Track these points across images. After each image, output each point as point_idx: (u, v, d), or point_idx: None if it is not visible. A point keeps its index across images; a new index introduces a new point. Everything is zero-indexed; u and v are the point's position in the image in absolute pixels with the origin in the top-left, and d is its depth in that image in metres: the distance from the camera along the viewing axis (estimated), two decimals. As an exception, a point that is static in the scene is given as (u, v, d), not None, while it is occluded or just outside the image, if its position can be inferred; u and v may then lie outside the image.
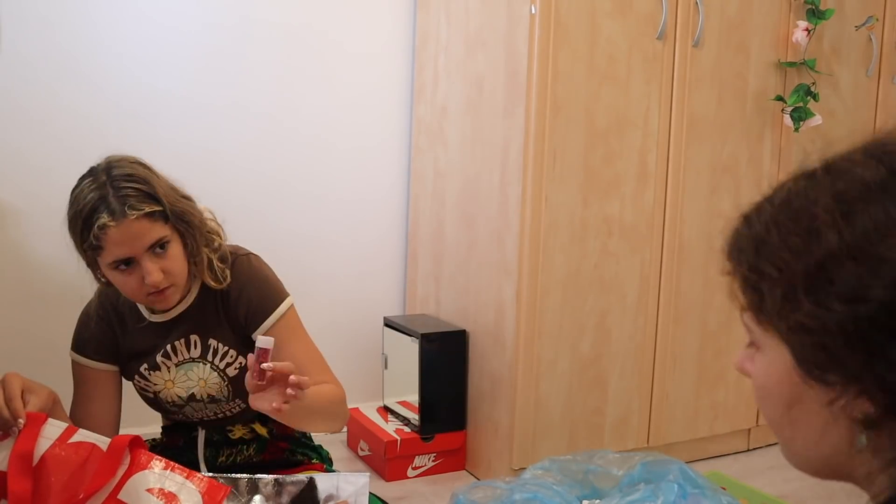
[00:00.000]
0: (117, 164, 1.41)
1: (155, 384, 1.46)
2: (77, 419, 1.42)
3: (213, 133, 2.27)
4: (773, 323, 0.61)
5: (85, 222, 1.35)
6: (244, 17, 2.28)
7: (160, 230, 1.33)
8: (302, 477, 1.29)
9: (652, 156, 2.16)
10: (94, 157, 2.15)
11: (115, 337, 1.48)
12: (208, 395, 1.46)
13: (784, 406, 0.64)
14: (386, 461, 2.16)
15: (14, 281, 2.08)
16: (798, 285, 0.58)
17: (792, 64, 2.32)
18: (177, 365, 1.46)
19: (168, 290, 1.35)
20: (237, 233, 2.40)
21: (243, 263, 1.45)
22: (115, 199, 1.34)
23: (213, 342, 1.44)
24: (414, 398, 2.24)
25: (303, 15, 2.35)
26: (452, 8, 2.28)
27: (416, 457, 2.20)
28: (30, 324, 2.10)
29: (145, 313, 1.45)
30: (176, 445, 1.53)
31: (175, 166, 2.23)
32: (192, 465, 1.47)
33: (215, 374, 1.45)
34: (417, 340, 2.19)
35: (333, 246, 2.46)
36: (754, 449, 2.46)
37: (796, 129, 2.31)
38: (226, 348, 1.44)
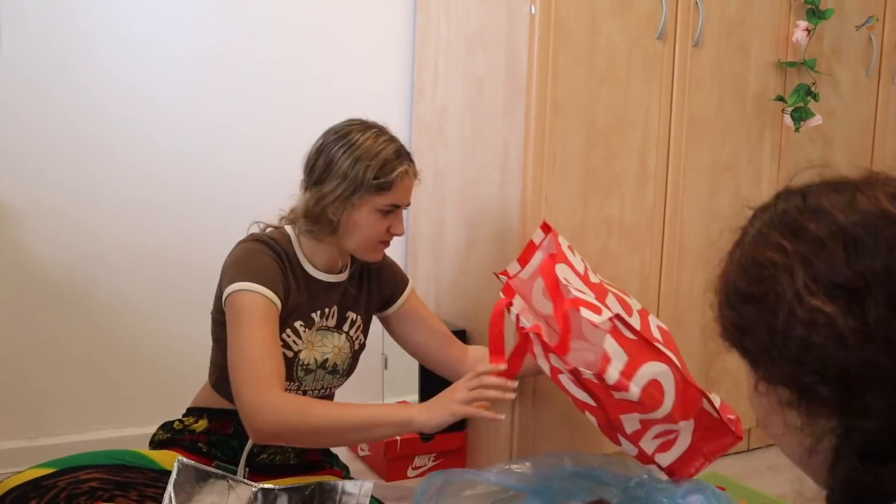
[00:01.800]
0: (387, 129, 1.58)
1: (302, 343, 1.53)
2: (266, 357, 1.40)
3: (212, 133, 2.27)
4: (726, 334, 0.75)
5: (387, 163, 1.49)
6: (243, 17, 2.28)
7: (408, 195, 1.58)
8: (310, 483, 1.32)
9: (652, 156, 2.16)
10: (93, 158, 2.17)
11: (287, 280, 1.51)
12: (334, 365, 1.58)
13: (761, 420, 0.74)
14: (386, 461, 2.16)
15: (14, 281, 2.08)
16: (724, 292, 0.73)
17: (792, 64, 2.32)
18: (317, 329, 1.56)
19: (389, 245, 1.61)
20: (237, 234, 2.40)
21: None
22: (407, 157, 1.55)
23: (350, 314, 1.61)
24: (414, 398, 2.23)
25: (302, 15, 2.35)
26: (452, 8, 2.28)
27: (416, 457, 2.20)
28: (30, 324, 2.10)
29: (309, 269, 1.55)
30: (224, 432, 1.55)
31: (175, 166, 2.24)
32: (231, 457, 1.53)
33: (348, 344, 1.60)
34: (417, 340, 2.19)
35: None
36: (754, 449, 2.46)
37: (797, 129, 2.31)
38: (360, 321, 1.62)
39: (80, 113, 2.11)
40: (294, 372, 1.53)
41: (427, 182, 2.43)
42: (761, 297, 0.67)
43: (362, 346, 1.67)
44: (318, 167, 1.52)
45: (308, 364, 1.55)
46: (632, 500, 1.60)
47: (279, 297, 1.45)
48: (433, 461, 2.22)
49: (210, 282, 2.26)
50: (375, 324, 2.47)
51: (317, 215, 1.50)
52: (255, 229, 1.60)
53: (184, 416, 1.59)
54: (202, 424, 1.55)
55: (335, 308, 1.58)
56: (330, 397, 1.65)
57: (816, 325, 0.62)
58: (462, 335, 2.23)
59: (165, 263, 2.23)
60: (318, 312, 1.56)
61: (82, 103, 2.11)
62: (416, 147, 2.48)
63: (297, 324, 1.52)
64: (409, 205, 1.58)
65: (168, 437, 1.57)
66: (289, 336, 1.51)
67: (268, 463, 1.56)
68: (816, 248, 0.65)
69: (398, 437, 2.18)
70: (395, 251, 2.55)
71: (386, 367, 2.41)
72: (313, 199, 1.50)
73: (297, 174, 2.39)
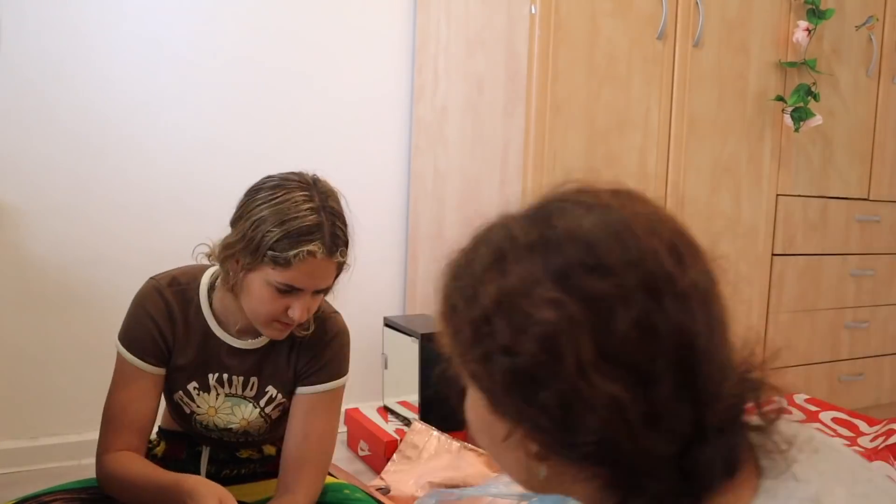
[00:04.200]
0: (329, 196, 1.33)
1: (198, 406, 1.40)
2: (116, 418, 1.35)
3: (212, 133, 2.27)
4: (464, 368, 0.65)
5: (293, 236, 1.24)
6: (242, 19, 2.28)
7: (333, 278, 1.33)
8: None
9: (652, 156, 2.16)
10: (93, 157, 2.17)
11: (172, 339, 1.37)
12: (244, 431, 1.43)
13: (489, 440, 0.67)
14: (386, 461, 2.16)
15: (14, 281, 2.08)
16: (468, 337, 0.62)
17: (792, 64, 2.32)
18: (226, 395, 1.39)
19: (292, 327, 1.32)
20: (237, 233, 2.37)
21: (339, 322, 1.43)
22: (329, 235, 1.28)
23: (270, 389, 1.40)
24: (414, 398, 2.23)
25: (302, 16, 2.35)
26: (452, 8, 2.28)
27: (416, 457, 2.20)
28: (29, 324, 2.10)
29: (216, 331, 1.37)
30: (178, 458, 1.49)
31: (174, 167, 2.24)
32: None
33: (261, 418, 1.41)
34: (417, 340, 2.19)
35: (333, 246, 2.46)
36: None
37: (797, 129, 2.31)
38: (280, 396, 1.40)
39: (80, 113, 2.11)
40: (194, 427, 1.43)
41: (427, 182, 2.43)
42: (536, 358, 0.61)
43: (284, 414, 1.43)
44: (238, 210, 1.32)
45: (207, 426, 1.42)
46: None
47: (150, 363, 1.35)
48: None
49: (210, 282, 2.27)
50: (375, 324, 2.48)
51: (221, 262, 1.30)
52: (203, 250, 1.40)
53: (156, 433, 1.53)
54: (161, 448, 1.49)
55: (254, 380, 1.39)
56: (250, 445, 1.50)
57: (600, 405, 0.58)
58: (462, 335, 2.23)
59: (164, 263, 2.23)
60: (215, 376, 1.38)
61: (82, 104, 2.11)
62: (416, 147, 2.49)
63: (191, 386, 1.38)
64: (323, 290, 1.31)
65: (148, 458, 1.48)
66: (181, 398, 1.40)
67: (234, 476, 1.51)
68: (602, 311, 0.59)
69: (398, 438, 2.18)
70: (395, 251, 2.56)
71: (386, 367, 2.41)
72: (221, 244, 1.31)
73: (297, 174, 2.41)
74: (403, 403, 2.32)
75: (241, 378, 1.38)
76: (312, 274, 1.26)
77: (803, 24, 2.28)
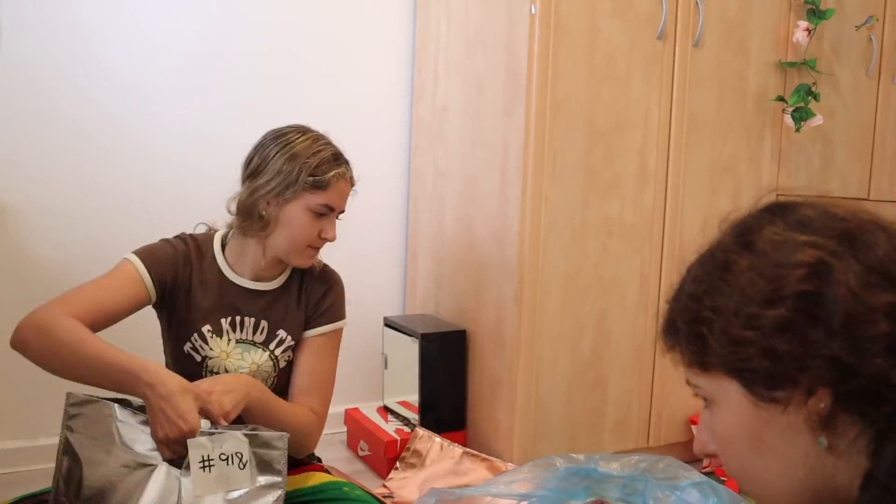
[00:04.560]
0: (324, 138, 1.52)
1: (211, 349, 1.49)
2: (85, 292, 1.42)
3: (213, 133, 2.27)
4: (719, 358, 0.69)
5: (323, 164, 1.47)
6: (243, 17, 2.28)
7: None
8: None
9: (652, 156, 2.16)
10: (93, 158, 2.17)
11: (179, 279, 1.48)
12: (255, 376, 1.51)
13: (748, 443, 0.70)
14: (386, 461, 2.16)
15: (14, 281, 2.08)
16: (732, 310, 0.68)
17: (793, 64, 2.32)
18: (237, 341, 1.50)
19: (319, 251, 1.54)
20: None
21: (334, 271, 1.61)
22: (345, 162, 1.53)
23: (281, 332, 1.52)
24: (414, 398, 2.24)
25: (302, 16, 2.35)
26: (452, 8, 2.29)
27: (416, 457, 2.20)
28: (30, 324, 2.10)
29: (230, 276, 1.50)
30: None
31: (174, 166, 2.24)
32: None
33: (270, 362, 1.51)
34: (417, 340, 2.19)
35: (333, 246, 2.45)
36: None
37: (797, 129, 2.31)
38: (290, 339, 1.53)
39: (80, 113, 2.11)
40: (202, 375, 1.48)
41: (427, 182, 2.43)
42: (805, 297, 0.65)
43: (289, 362, 1.55)
44: (254, 162, 1.50)
45: (217, 372, 1.49)
46: (631, 494, 1.60)
47: (151, 281, 1.44)
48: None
49: (210, 282, 2.26)
50: (375, 324, 2.48)
51: (248, 208, 1.47)
52: (202, 229, 1.58)
53: None
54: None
55: (265, 324, 1.50)
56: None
57: (885, 316, 0.63)
58: (462, 335, 2.23)
59: (165, 263, 2.23)
60: (228, 320, 1.48)
61: (82, 103, 2.11)
62: (416, 147, 2.49)
63: (206, 329, 1.48)
64: (343, 212, 1.53)
65: None
66: (195, 341, 1.47)
67: None
68: (855, 241, 0.66)
69: (398, 438, 2.18)
70: (395, 250, 2.56)
71: (386, 367, 2.41)
72: (246, 193, 1.47)
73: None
74: (403, 403, 2.32)
75: (253, 320, 1.50)
76: (342, 194, 1.51)
77: (803, 24, 2.28)
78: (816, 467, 0.67)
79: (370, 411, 2.39)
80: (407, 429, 2.25)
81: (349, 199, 1.55)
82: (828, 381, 0.64)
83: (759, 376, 0.67)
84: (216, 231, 1.56)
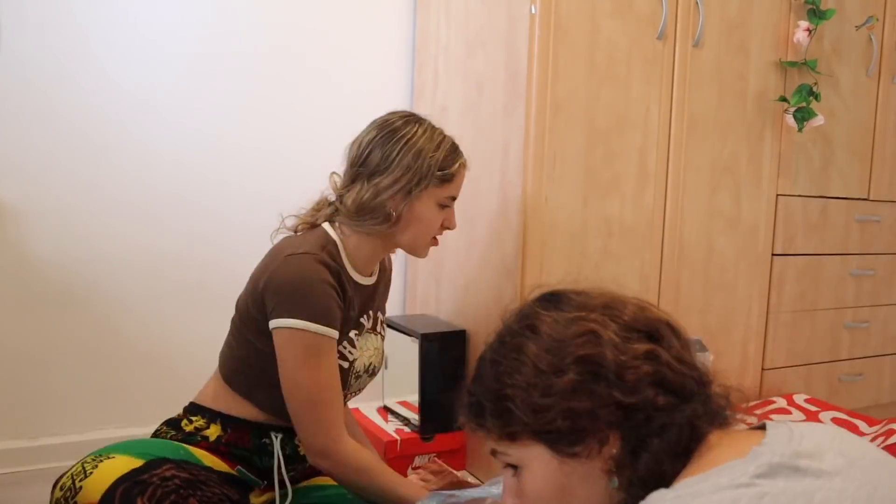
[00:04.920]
0: (436, 127, 1.55)
1: (356, 349, 1.51)
2: (335, 397, 1.43)
3: (211, 133, 2.27)
4: (525, 427, 0.83)
5: (448, 157, 1.50)
6: (243, 17, 2.28)
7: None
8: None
9: (652, 156, 2.16)
10: (93, 157, 2.17)
11: (343, 302, 1.46)
12: (373, 367, 1.57)
13: (556, 497, 0.83)
14: (386, 461, 2.16)
15: (14, 281, 2.08)
16: (530, 383, 0.83)
17: (793, 64, 2.32)
18: (368, 332, 1.55)
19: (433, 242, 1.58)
20: (238, 234, 2.40)
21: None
22: (460, 150, 1.55)
23: (380, 314, 1.61)
24: (414, 398, 2.24)
25: (302, 16, 2.35)
26: (452, 8, 2.28)
27: (416, 457, 2.20)
28: (30, 324, 2.10)
29: (356, 276, 1.51)
30: (243, 446, 1.47)
31: (174, 166, 2.24)
32: (249, 465, 1.46)
33: (381, 343, 1.59)
34: (417, 340, 2.19)
35: (333, 246, 2.46)
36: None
37: (800, 129, 2.31)
38: (382, 317, 1.61)
39: (80, 113, 2.11)
40: (348, 381, 1.50)
41: (427, 182, 2.43)
42: (585, 359, 0.82)
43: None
44: (374, 159, 1.48)
45: (358, 371, 1.54)
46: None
47: (337, 329, 1.42)
48: (433, 461, 2.22)
49: (210, 281, 2.27)
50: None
51: (373, 208, 1.46)
52: (290, 223, 1.55)
53: (190, 413, 1.49)
54: (215, 431, 1.45)
55: (371, 311, 1.58)
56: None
57: (645, 360, 0.83)
58: (462, 335, 2.23)
59: (165, 263, 2.23)
60: (365, 317, 1.56)
61: (82, 103, 2.11)
62: (417, 147, 2.48)
63: (353, 333, 1.51)
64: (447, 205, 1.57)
65: (179, 437, 1.45)
66: (345, 348, 1.48)
67: (292, 478, 1.52)
68: (615, 310, 0.87)
69: (398, 438, 2.18)
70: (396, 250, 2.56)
71: (386, 367, 2.41)
72: (370, 192, 1.46)
73: (295, 174, 2.40)
74: (403, 403, 2.32)
75: (371, 311, 1.57)
76: (462, 183, 1.55)
77: (804, 24, 2.28)
78: (613, 500, 0.82)
79: (370, 411, 2.39)
80: (407, 429, 2.25)
81: None
82: (616, 425, 0.80)
83: (561, 435, 0.81)
84: (323, 229, 1.52)
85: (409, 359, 2.23)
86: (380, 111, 2.52)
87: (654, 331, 0.85)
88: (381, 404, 2.44)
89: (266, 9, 2.30)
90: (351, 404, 2.44)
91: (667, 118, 2.16)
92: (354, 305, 1.49)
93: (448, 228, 1.56)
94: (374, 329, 1.58)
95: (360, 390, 1.62)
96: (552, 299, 0.90)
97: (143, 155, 2.20)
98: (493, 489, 1.60)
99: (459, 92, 2.25)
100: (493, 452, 0.89)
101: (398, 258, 2.58)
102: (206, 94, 2.25)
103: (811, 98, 2.30)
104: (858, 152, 2.57)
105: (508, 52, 2.04)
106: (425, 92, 2.42)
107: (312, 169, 2.42)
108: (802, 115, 2.29)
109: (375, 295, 1.59)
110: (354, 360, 1.50)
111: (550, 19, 1.97)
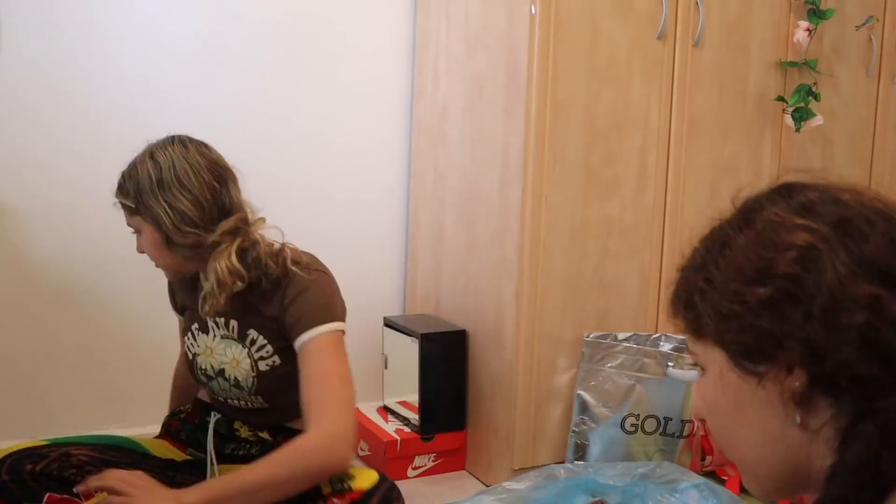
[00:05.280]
0: (150, 149, 1.49)
1: (198, 346, 1.55)
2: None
3: (212, 133, 2.26)
4: (708, 328, 0.72)
5: None
6: (243, 17, 2.28)
7: (127, 218, 1.52)
8: None
9: (652, 156, 2.16)
10: (93, 158, 2.17)
11: (184, 287, 1.61)
12: (235, 378, 1.52)
13: (730, 412, 0.72)
14: (386, 461, 2.16)
15: (14, 281, 2.08)
16: (723, 284, 0.71)
17: (793, 64, 2.32)
18: (221, 337, 1.53)
19: (159, 265, 1.55)
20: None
21: (306, 278, 1.46)
22: (119, 177, 1.53)
23: (252, 333, 1.50)
24: (414, 398, 2.24)
25: (302, 16, 2.35)
26: (452, 8, 2.28)
27: (416, 457, 2.21)
28: (30, 324, 2.10)
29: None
30: (193, 422, 1.63)
31: (175, 166, 2.24)
32: (201, 447, 1.58)
33: (248, 360, 1.50)
34: (417, 340, 2.19)
35: (333, 246, 2.44)
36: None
37: (797, 130, 2.31)
38: (265, 342, 1.49)
39: (80, 113, 2.11)
40: (196, 374, 1.58)
41: (427, 182, 2.43)
42: (792, 279, 0.67)
43: (276, 370, 1.49)
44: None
45: (205, 370, 1.54)
46: (632, 497, 1.60)
47: (175, 308, 1.65)
48: (433, 461, 2.22)
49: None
50: (375, 324, 2.48)
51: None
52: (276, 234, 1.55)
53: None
54: (186, 409, 1.67)
55: (234, 323, 1.50)
56: (248, 417, 1.56)
57: (861, 306, 0.64)
58: (462, 335, 2.24)
59: (165, 263, 2.23)
60: (213, 319, 1.52)
61: (82, 103, 2.11)
62: (417, 147, 2.49)
63: (194, 327, 1.57)
64: (133, 231, 1.52)
65: (169, 421, 1.68)
66: (188, 339, 1.58)
67: (233, 456, 1.58)
68: (849, 231, 0.67)
69: (398, 438, 2.18)
70: (395, 251, 2.56)
71: (386, 367, 2.41)
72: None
73: (297, 174, 2.40)
74: (403, 403, 2.32)
75: (223, 320, 1.53)
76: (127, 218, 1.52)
77: (804, 24, 2.28)
78: (792, 445, 0.69)
79: (370, 411, 2.39)
80: (407, 429, 2.25)
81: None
82: (802, 363, 0.66)
83: (742, 349, 0.69)
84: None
85: (409, 359, 2.23)
86: (380, 111, 2.53)
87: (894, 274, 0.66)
88: (381, 404, 2.44)
89: (265, 10, 2.30)
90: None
91: (667, 118, 2.16)
92: (191, 297, 1.57)
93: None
94: (240, 339, 1.50)
95: (243, 401, 1.54)
96: (790, 193, 0.75)
97: (143, 155, 2.20)
98: (489, 499, 1.60)
99: (460, 92, 2.25)
100: (687, 348, 0.78)
101: (398, 258, 2.59)
102: (206, 94, 2.25)
103: (810, 98, 2.30)
104: (858, 152, 2.57)
105: (509, 52, 2.04)
106: (426, 92, 2.42)
107: (313, 168, 2.42)
108: (800, 116, 2.29)
109: (236, 305, 1.48)
110: (198, 354, 1.56)
111: (551, 19, 1.97)
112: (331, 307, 1.46)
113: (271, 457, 1.31)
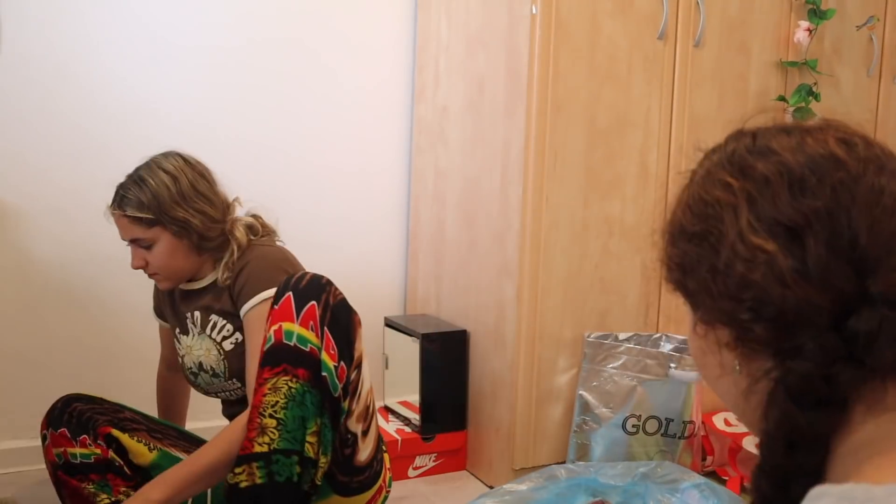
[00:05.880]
0: (152, 165, 1.60)
1: (182, 348, 1.64)
2: (161, 357, 1.85)
3: (212, 133, 2.27)
4: (672, 275, 0.73)
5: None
6: (243, 16, 2.27)
7: (140, 232, 1.55)
8: None
9: (653, 156, 2.16)
10: (93, 158, 2.17)
11: (161, 295, 1.72)
12: (211, 367, 1.59)
13: (701, 358, 0.73)
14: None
15: (14, 281, 2.08)
16: (668, 234, 0.73)
17: (794, 64, 2.31)
18: (197, 334, 1.60)
19: (154, 276, 1.60)
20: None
21: (258, 249, 1.59)
22: (121, 192, 1.58)
23: (214, 317, 1.59)
24: (415, 398, 2.23)
25: (302, 16, 2.35)
26: (453, 8, 2.28)
27: (417, 457, 2.20)
28: (30, 323, 2.10)
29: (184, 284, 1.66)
30: None
31: (175, 166, 2.23)
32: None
33: (214, 345, 1.58)
34: (418, 340, 2.19)
35: (333, 246, 2.46)
36: (755, 449, 2.46)
37: (797, 129, 2.30)
38: (224, 322, 1.58)
39: (80, 113, 2.11)
40: (186, 375, 1.69)
41: (428, 182, 2.43)
42: (704, 234, 0.67)
43: (240, 346, 1.58)
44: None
45: (190, 368, 1.66)
46: (633, 497, 1.60)
47: (157, 315, 1.81)
48: (434, 461, 2.22)
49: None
50: (376, 324, 2.47)
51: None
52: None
53: None
54: None
55: (199, 313, 1.62)
56: (242, 401, 1.62)
57: (756, 262, 0.63)
58: (463, 335, 2.23)
59: (166, 263, 2.23)
60: (190, 318, 1.64)
61: (82, 103, 2.11)
62: (417, 147, 2.48)
63: (177, 330, 1.68)
64: (129, 240, 1.61)
65: None
66: (176, 342, 1.69)
67: None
68: (761, 186, 0.65)
69: (399, 438, 2.18)
70: (395, 251, 2.56)
71: (387, 367, 2.41)
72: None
73: (296, 175, 2.40)
74: (404, 403, 2.32)
75: (196, 313, 1.63)
76: (118, 226, 1.60)
77: (804, 24, 2.28)
78: (749, 395, 0.68)
79: (371, 411, 2.39)
80: (408, 429, 2.25)
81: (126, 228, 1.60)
82: (719, 319, 0.67)
83: (690, 303, 0.72)
84: None
85: (410, 359, 2.23)
86: (381, 110, 2.53)
87: (801, 226, 0.62)
88: (382, 404, 2.44)
89: (266, 9, 2.30)
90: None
91: (667, 118, 2.16)
92: (172, 303, 1.69)
93: (133, 267, 1.61)
94: (203, 330, 1.62)
95: (227, 392, 1.66)
96: (732, 139, 0.75)
97: (144, 155, 2.19)
98: (488, 502, 1.60)
99: (460, 92, 2.25)
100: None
101: (398, 257, 2.59)
102: (206, 93, 2.25)
103: (810, 98, 2.30)
104: (859, 152, 2.57)
105: (509, 51, 2.04)
106: (426, 92, 2.42)
107: (313, 168, 2.42)
108: (801, 116, 2.29)
109: (202, 298, 1.63)
110: (183, 355, 1.66)
111: (551, 19, 1.96)
112: (273, 275, 1.51)
113: (220, 436, 1.40)
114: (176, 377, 1.83)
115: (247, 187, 2.32)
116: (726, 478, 2.10)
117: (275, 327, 1.36)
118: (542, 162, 2.00)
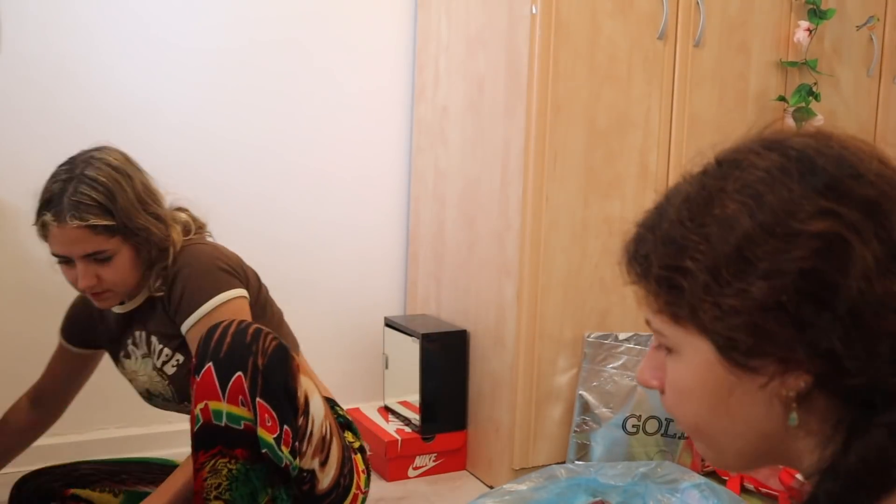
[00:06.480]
0: (96, 162, 1.34)
1: (127, 372, 1.51)
2: (33, 388, 1.60)
3: (212, 133, 2.27)
4: (693, 317, 0.61)
5: (38, 210, 1.34)
6: (243, 16, 2.27)
7: (101, 243, 1.30)
8: None
9: (653, 156, 2.16)
10: (94, 157, 2.15)
11: (92, 320, 1.51)
12: (160, 392, 1.48)
13: (709, 404, 0.63)
14: (387, 461, 2.16)
15: (14, 281, 2.08)
16: (720, 270, 0.59)
17: (794, 64, 2.31)
18: (142, 357, 1.47)
19: (104, 294, 1.35)
20: (236, 235, 2.40)
21: (187, 250, 1.38)
22: (68, 200, 1.30)
23: (153, 340, 1.42)
24: (414, 398, 2.23)
25: (302, 16, 2.35)
26: (453, 8, 2.28)
27: (417, 457, 2.20)
28: (30, 324, 2.10)
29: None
30: None
31: (174, 166, 2.24)
32: None
33: (156, 372, 1.45)
34: (418, 340, 2.19)
35: (334, 246, 2.46)
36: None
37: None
38: (161, 346, 1.42)
39: (80, 113, 2.11)
40: (143, 398, 1.56)
41: (428, 182, 2.43)
42: (809, 275, 0.56)
43: (183, 367, 1.43)
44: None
45: (141, 393, 1.54)
46: (633, 497, 1.60)
47: (71, 341, 1.60)
48: (434, 461, 2.22)
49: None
50: (376, 324, 2.47)
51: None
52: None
53: None
54: None
55: (141, 333, 1.45)
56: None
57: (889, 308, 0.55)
58: (463, 335, 2.23)
59: (166, 263, 2.23)
60: (131, 341, 1.47)
61: (82, 103, 2.11)
62: (417, 147, 2.48)
63: (120, 354, 1.52)
64: (83, 255, 1.31)
65: None
66: (120, 369, 1.56)
67: None
68: (883, 217, 0.57)
69: (399, 438, 2.18)
70: (395, 251, 2.56)
71: (387, 367, 2.41)
72: None
73: (297, 175, 2.40)
74: (404, 403, 2.32)
75: (138, 334, 1.48)
76: (62, 242, 1.30)
77: (804, 24, 2.28)
78: (778, 440, 0.62)
79: (371, 411, 2.39)
80: (408, 429, 2.25)
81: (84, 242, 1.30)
82: (812, 367, 0.57)
83: (739, 346, 0.59)
84: None
85: (410, 359, 2.23)
86: (381, 111, 2.53)
87: None
88: (382, 404, 2.44)
89: (266, 9, 2.30)
90: (351, 404, 2.45)
91: (667, 118, 2.16)
92: (110, 327, 1.50)
93: (79, 289, 1.34)
94: (149, 354, 1.46)
95: (181, 413, 1.51)
96: (789, 155, 0.61)
97: (144, 154, 2.19)
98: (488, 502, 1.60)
99: (460, 92, 2.25)
100: (647, 321, 0.66)
101: (398, 257, 2.59)
102: (206, 93, 2.25)
103: (811, 98, 2.30)
104: (859, 152, 2.57)
105: (509, 51, 2.04)
106: (426, 92, 2.42)
107: (313, 168, 2.42)
108: (801, 116, 2.29)
109: (136, 320, 1.46)
110: (130, 380, 1.53)
111: (551, 19, 1.96)
112: (209, 282, 1.34)
113: (188, 460, 1.28)
114: (34, 417, 1.58)
115: (244, 185, 2.33)
116: (726, 478, 2.10)
117: (200, 406, 1.18)
118: (542, 162, 2.00)
